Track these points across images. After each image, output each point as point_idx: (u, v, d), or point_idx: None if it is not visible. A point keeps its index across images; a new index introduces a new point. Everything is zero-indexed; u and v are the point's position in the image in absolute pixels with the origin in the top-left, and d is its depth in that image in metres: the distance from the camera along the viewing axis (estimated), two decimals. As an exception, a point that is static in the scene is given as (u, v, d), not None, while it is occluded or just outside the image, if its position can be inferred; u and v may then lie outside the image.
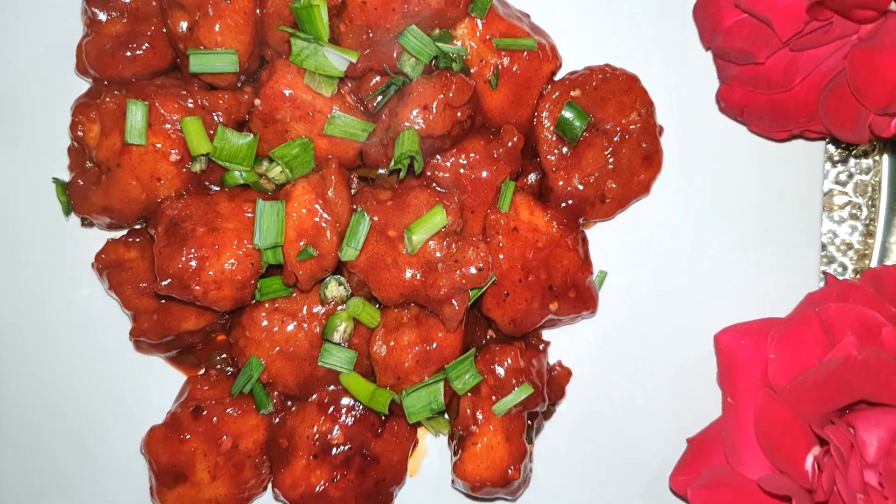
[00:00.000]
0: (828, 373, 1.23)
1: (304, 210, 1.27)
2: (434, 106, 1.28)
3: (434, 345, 1.35)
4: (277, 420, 1.40)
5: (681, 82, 1.47)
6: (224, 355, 1.46)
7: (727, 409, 1.37)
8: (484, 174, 1.37)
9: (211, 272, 1.27)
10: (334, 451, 1.37)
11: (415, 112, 1.28)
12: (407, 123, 1.28)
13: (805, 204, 1.46)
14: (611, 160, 1.42)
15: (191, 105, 1.32)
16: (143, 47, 1.34)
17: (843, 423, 1.25)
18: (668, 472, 1.42)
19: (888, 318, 1.26)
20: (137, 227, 1.42)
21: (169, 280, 1.26)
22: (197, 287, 1.27)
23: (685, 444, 1.43)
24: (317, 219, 1.28)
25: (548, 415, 1.49)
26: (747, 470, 1.31)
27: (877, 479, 1.20)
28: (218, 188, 1.37)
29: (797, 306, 1.40)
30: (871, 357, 1.20)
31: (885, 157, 1.51)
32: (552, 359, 1.49)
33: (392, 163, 1.29)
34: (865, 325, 1.27)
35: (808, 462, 1.24)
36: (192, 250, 1.26)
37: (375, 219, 1.32)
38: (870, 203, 1.51)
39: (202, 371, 1.45)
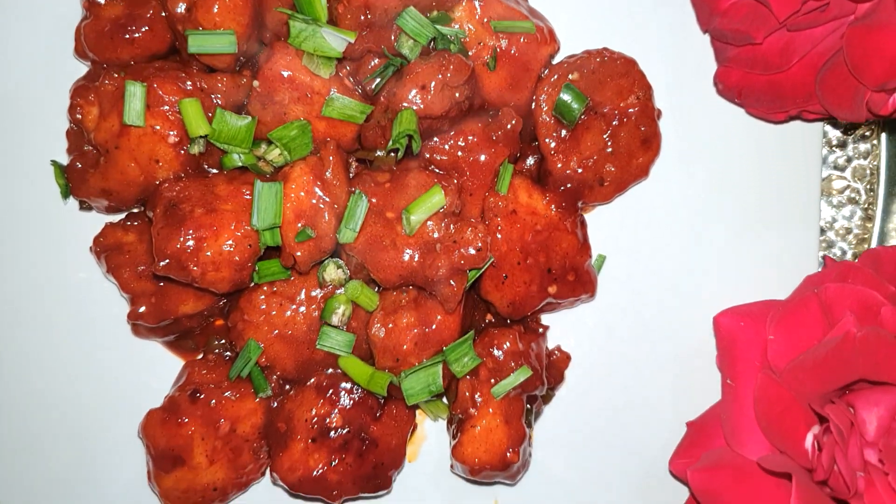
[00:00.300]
0: (827, 351, 1.23)
1: (302, 192, 1.27)
2: (432, 86, 1.28)
3: (433, 327, 1.34)
4: (276, 404, 1.40)
5: (678, 65, 1.47)
6: (223, 340, 1.46)
7: (727, 390, 1.36)
8: (482, 157, 1.37)
9: (209, 253, 1.27)
10: (333, 434, 1.36)
11: (413, 92, 1.28)
12: (405, 103, 1.29)
13: (804, 186, 1.47)
14: (609, 143, 1.42)
15: (189, 87, 1.32)
16: (142, 30, 1.34)
17: (842, 403, 1.25)
18: (668, 456, 1.42)
19: (887, 298, 1.26)
20: (136, 210, 1.42)
21: (167, 261, 1.26)
22: (195, 268, 1.27)
23: (685, 427, 1.43)
24: (315, 200, 1.28)
25: (547, 399, 1.48)
26: (747, 451, 1.31)
27: (877, 457, 1.19)
28: (216, 171, 1.37)
29: (796, 288, 1.40)
30: (870, 334, 1.19)
31: (884, 142, 1.51)
32: (551, 344, 1.49)
33: (390, 142, 1.29)
34: (865, 304, 1.26)
35: (808, 441, 1.24)
36: (190, 231, 1.26)
37: (374, 200, 1.32)
38: (868, 187, 1.51)
39: (200, 356, 1.45)
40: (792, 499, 1.19)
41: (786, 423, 1.26)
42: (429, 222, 1.30)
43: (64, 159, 1.40)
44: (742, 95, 1.41)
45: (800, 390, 1.26)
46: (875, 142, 1.50)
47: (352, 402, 1.38)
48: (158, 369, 1.45)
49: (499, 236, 1.36)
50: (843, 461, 1.19)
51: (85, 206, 1.42)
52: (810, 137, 1.46)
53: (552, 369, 1.47)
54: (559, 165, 1.41)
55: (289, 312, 1.36)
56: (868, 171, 1.51)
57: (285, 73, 1.30)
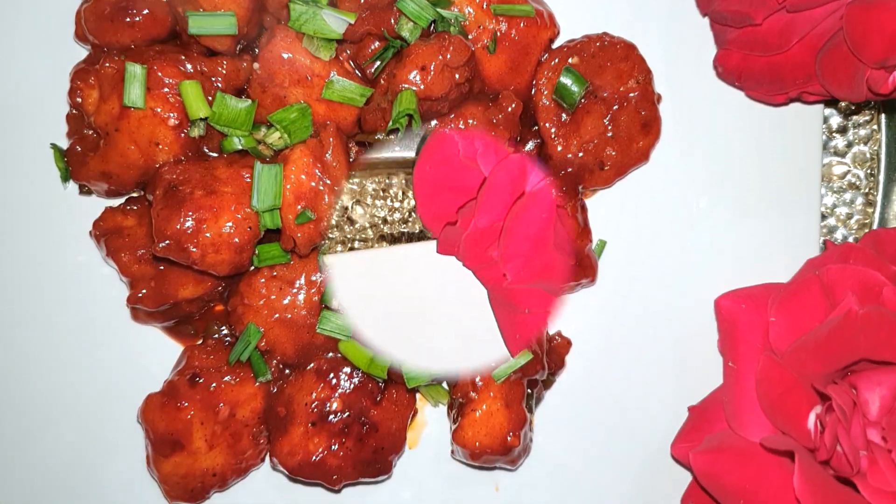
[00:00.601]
0: (829, 331, 1.22)
1: (302, 174, 1.27)
2: (432, 67, 1.28)
3: (433, 310, 1.34)
4: (275, 389, 1.39)
5: (678, 49, 1.47)
6: (222, 326, 1.45)
7: (728, 373, 1.36)
8: (482, 141, 1.38)
9: (209, 234, 1.26)
10: (333, 418, 1.36)
11: (413, 73, 1.28)
12: (405, 84, 1.29)
13: (804, 169, 1.47)
14: (609, 127, 1.42)
15: (190, 70, 1.32)
16: (143, 13, 1.34)
17: (845, 384, 1.24)
18: (670, 441, 1.41)
19: (889, 278, 1.26)
20: (135, 194, 1.41)
21: (167, 242, 1.26)
22: (194, 249, 1.26)
23: (686, 412, 1.42)
24: (315, 182, 1.28)
25: (548, 384, 1.48)
26: (749, 433, 1.30)
27: (880, 436, 1.19)
28: (216, 155, 1.37)
29: (798, 271, 1.40)
30: (872, 313, 1.19)
31: (884, 128, 1.51)
32: (552, 329, 1.48)
33: (390, 122, 1.28)
34: (866, 285, 1.26)
35: (811, 421, 1.23)
36: (190, 212, 1.26)
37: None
38: (869, 172, 1.50)
39: (200, 341, 1.44)
40: (795, 478, 1.19)
41: (788, 403, 1.26)
42: (429, 204, 1.30)
43: (64, 143, 1.40)
44: (742, 78, 1.41)
45: (802, 371, 1.26)
46: (875, 127, 1.50)
47: (352, 386, 1.37)
48: (158, 354, 1.44)
49: (499, 219, 1.36)
50: (845, 440, 1.19)
51: (85, 191, 1.42)
52: (810, 119, 1.46)
53: (553, 354, 1.47)
54: (559, 149, 1.41)
55: (289, 297, 1.36)
56: (868, 156, 1.51)
57: (285, 56, 1.30)
